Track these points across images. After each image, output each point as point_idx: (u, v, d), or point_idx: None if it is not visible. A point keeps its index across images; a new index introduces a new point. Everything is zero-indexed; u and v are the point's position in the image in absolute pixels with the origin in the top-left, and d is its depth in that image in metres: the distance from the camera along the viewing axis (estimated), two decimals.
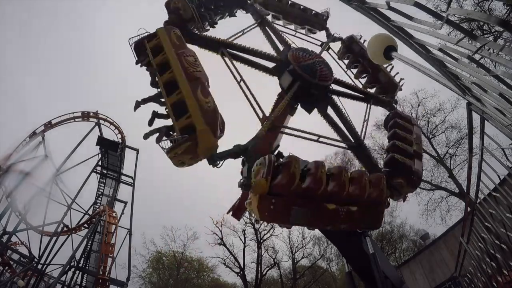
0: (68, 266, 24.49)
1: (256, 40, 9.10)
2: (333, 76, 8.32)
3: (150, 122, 5.84)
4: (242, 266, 35.15)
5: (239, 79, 6.95)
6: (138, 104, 6.10)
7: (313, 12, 11.40)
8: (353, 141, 7.86)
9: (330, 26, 11.66)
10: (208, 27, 9.01)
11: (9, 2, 65.62)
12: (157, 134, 5.48)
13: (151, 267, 40.40)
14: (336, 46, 11.16)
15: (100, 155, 30.59)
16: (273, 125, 6.41)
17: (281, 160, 4.99)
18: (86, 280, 26.57)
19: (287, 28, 10.83)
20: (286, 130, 6.85)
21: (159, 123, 5.82)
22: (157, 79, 6.00)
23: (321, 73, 7.91)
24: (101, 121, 29.87)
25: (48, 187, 26.54)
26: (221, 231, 36.24)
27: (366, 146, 8.33)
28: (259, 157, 4.90)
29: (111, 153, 30.32)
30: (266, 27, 9.52)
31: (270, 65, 8.11)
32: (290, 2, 11.06)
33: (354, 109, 8.63)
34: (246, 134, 6.06)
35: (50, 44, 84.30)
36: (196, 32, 8.02)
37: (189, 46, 6.86)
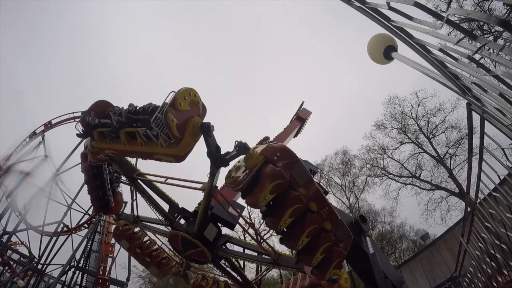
0: (68, 266, 24.52)
1: None
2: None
3: None
4: (242, 266, 35.10)
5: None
6: None
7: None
8: None
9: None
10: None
11: (9, 2, 65.65)
12: None
13: None
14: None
15: None
16: None
17: None
18: (86, 280, 26.61)
19: None
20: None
21: None
22: None
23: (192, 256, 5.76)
24: None
25: (48, 187, 26.59)
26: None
27: None
28: None
29: None
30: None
31: None
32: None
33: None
34: None
35: (50, 44, 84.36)
36: None
37: None
